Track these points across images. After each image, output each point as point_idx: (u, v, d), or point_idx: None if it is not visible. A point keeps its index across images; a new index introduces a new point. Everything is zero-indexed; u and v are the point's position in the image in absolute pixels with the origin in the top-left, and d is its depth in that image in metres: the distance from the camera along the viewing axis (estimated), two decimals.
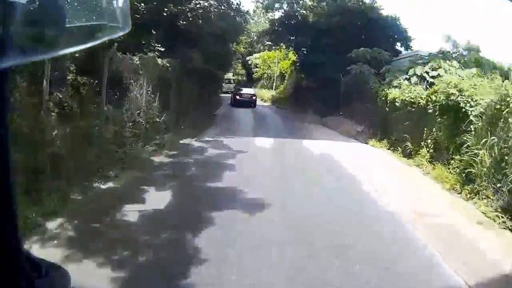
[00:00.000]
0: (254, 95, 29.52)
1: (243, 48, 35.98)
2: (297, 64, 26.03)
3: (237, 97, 28.62)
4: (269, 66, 39.36)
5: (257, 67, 42.84)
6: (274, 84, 35.84)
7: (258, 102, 30.95)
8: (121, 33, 0.73)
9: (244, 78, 46.98)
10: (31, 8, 0.53)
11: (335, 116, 19.95)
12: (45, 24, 0.55)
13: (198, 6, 14.92)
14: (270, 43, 29.06)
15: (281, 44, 27.62)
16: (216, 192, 7.37)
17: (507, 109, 7.30)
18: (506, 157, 6.97)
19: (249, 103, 27.86)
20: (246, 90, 30.11)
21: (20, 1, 0.50)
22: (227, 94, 31.58)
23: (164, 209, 6.24)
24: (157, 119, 12.12)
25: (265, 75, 40.89)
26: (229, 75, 45.72)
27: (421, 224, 6.20)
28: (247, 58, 44.26)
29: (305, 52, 23.81)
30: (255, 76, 44.49)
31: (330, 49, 21.31)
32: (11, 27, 0.47)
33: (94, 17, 0.69)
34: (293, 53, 28.51)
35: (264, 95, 36.68)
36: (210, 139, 13.52)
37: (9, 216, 0.54)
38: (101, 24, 0.70)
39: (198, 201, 6.82)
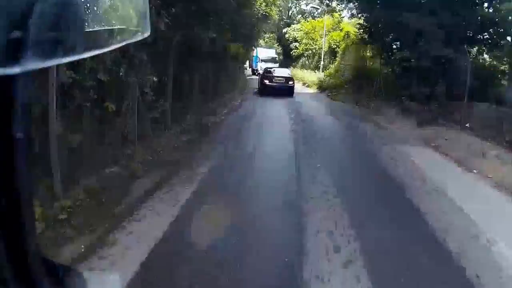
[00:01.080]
0: (290, 78, 20.25)
1: (277, 15, 26.69)
2: (363, 33, 16.67)
3: (266, 81, 19.52)
4: (314, 40, 29.69)
5: (296, 42, 33.41)
6: (322, 63, 26.48)
7: (299, 87, 22.01)
8: (141, 37, 0.72)
9: (280, 57, 37.93)
10: (49, 11, 0.49)
11: (448, 128, 11.16)
12: (63, 28, 0.53)
13: None
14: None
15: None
16: None
17: None
18: None
19: (284, 90, 19.24)
20: (279, 71, 20.90)
21: (38, 4, 0.47)
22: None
23: None
24: None
25: (309, 52, 31.27)
26: (269, 52, 37.17)
27: None
28: (284, 30, 35.08)
29: (380, 10, 14.43)
30: (294, 54, 35.23)
31: (432, 6, 12.23)
32: (28, 31, 0.46)
33: (114, 21, 0.69)
34: (353, 15, 19.32)
35: (306, 78, 27.54)
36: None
37: (26, 220, 0.54)
38: (120, 28, 0.70)
39: None
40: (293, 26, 34.80)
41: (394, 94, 15.64)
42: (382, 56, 16.46)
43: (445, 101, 12.60)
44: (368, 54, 18.13)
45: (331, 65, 24.91)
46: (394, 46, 15.45)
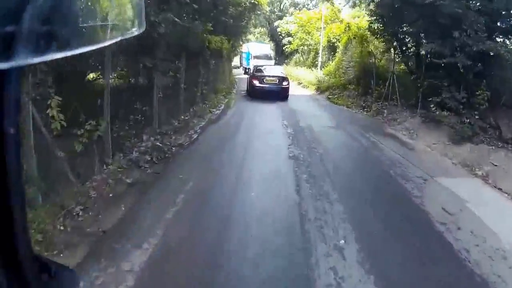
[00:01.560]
0: (285, 78, 16.79)
1: (268, 6, 23.41)
2: (374, 21, 13.49)
3: (256, 82, 16.18)
4: (310, 34, 26.32)
5: (290, 36, 30.09)
6: (320, 60, 23.23)
7: (293, 88, 18.76)
8: (136, 33, 0.72)
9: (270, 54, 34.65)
10: (42, 5, 0.48)
11: (494, 147, 8.49)
12: (57, 22, 0.52)
13: None
14: None
15: None
16: None
17: None
18: None
19: (277, 93, 15.97)
20: (271, 70, 17.51)
21: None
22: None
23: None
24: None
25: (304, 47, 27.94)
26: (263, 47, 32.43)
27: None
28: (275, 24, 31.81)
29: None
30: (287, 50, 32.07)
31: None
32: (22, 25, 0.45)
33: (109, 16, 0.67)
34: (355, 4, 16.23)
35: (301, 77, 24.32)
36: None
37: (19, 217, 0.54)
38: (115, 23, 0.68)
39: None
40: (285, 18, 31.50)
41: (412, 98, 12.67)
42: (397, 51, 13.44)
43: (488, 110, 9.67)
44: (376, 48, 15.07)
45: (330, 62, 21.78)
46: (408, 39, 12.44)
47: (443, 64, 10.10)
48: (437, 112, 10.21)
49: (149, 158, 7.05)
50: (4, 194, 0.51)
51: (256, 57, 28.70)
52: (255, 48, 31.27)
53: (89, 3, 0.62)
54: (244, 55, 32.88)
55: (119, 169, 6.34)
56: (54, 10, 0.50)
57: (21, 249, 0.55)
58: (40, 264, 0.63)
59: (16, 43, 0.45)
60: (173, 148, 7.82)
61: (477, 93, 9.49)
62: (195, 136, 8.87)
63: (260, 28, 34.96)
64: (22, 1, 0.45)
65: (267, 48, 34.09)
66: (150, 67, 7.91)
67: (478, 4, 9.59)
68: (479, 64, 9.37)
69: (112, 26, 0.67)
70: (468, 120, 9.45)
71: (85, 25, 0.59)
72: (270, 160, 7.21)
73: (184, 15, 9.04)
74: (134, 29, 0.71)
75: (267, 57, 29.24)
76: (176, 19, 7.87)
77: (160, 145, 7.89)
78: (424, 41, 9.95)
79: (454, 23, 9.48)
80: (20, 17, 0.45)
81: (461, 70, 9.68)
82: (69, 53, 0.54)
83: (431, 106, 10.68)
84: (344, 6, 22.81)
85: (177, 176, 6.24)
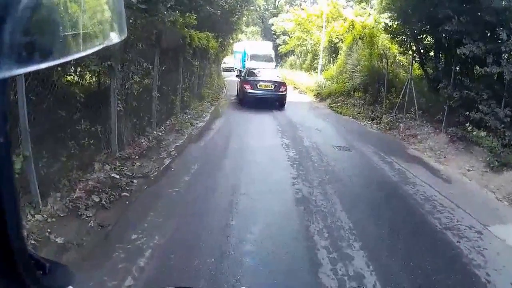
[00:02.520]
0: (282, 83, 14.37)
1: (263, 3, 21.13)
2: (391, 18, 11.33)
3: (247, 87, 13.83)
4: (309, 33, 23.90)
5: (286, 35, 27.79)
6: (320, 62, 21.01)
7: (290, 94, 16.35)
8: (117, 40, 0.71)
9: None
10: (22, 17, 0.48)
11: None
12: (38, 33, 0.52)
13: None
14: None
15: None
16: None
17: None
18: None
19: (273, 101, 13.85)
20: (265, 74, 15.11)
21: (9, 8, 0.46)
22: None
23: None
24: None
25: (302, 48, 25.59)
26: (263, 46, 26.86)
27: None
28: (270, 21, 29.53)
29: None
30: (281, 51, 29.91)
31: None
32: (3, 37, 0.45)
33: (89, 25, 0.66)
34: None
35: (298, 82, 22.06)
36: None
37: (11, 215, 0.53)
38: (96, 31, 0.68)
39: None
40: (281, 16, 29.23)
41: (433, 110, 10.66)
42: (415, 54, 11.41)
43: None
44: (387, 49, 13.01)
45: (330, 65, 19.64)
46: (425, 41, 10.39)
47: (482, 73, 8.09)
48: (473, 132, 8.21)
49: (97, 199, 4.93)
50: None
51: (254, 57, 23.96)
52: (252, 47, 26.12)
53: (69, 12, 0.61)
54: (238, 55, 27.92)
55: (50, 219, 4.29)
56: (34, 20, 0.49)
57: (15, 248, 0.55)
58: (35, 262, 0.63)
59: None
60: (134, 182, 5.69)
61: None
62: (167, 161, 6.70)
63: (252, 26, 32.63)
64: (1, 13, 0.45)
65: (268, 47, 27.55)
66: (104, 70, 5.76)
67: None
68: None
69: (93, 34, 0.66)
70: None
71: (66, 33, 0.58)
72: (270, 208, 5.07)
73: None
74: (115, 36, 0.70)
75: (267, 59, 24.39)
76: (141, 5, 5.75)
77: (117, 176, 5.76)
78: (464, 41, 7.84)
79: (500, 21, 7.47)
80: (0, 29, 0.45)
81: (506, 82, 7.69)
82: (52, 63, 0.54)
83: (462, 122, 8.69)
84: (349, 2, 20.59)
85: (129, 236, 4.10)
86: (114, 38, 0.70)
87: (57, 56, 0.55)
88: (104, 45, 0.69)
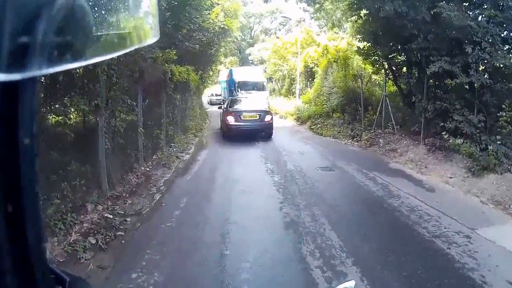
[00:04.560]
0: (267, 112, 13.54)
1: (238, 32, 21.74)
2: (363, 39, 11.83)
3: (230, 119, 12.85)
4: (285, 59, 24.58)
5: (262, 64, 28.56)
6: (298, 86, 21.54)
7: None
8: (149, 42, 0.70)
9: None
10: (56, 16, 0.48)
11: None
12: (71, 33, 0.51)
13: None
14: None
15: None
16: None
17: None
18: None
19: (259, 131, 13.17)
20: (249, 103, 14.11)
21: (45, 8, 0.46)
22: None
23: None
24: None
25: (279, 74, 26.26)
26: (253, 72, 23.55)
27: None
28: (247, 51, 30.33)
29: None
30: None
31: None
32: (36, 36, 0.45)
33: (122, 25, 0.66)
34: (334, 25, 14.77)
35: (278, 107, 22.02)
36: None
37: (33, 228, 0.53)
38: (129, 32, 0.67)
39: None
40: (257, 45, 30.12)
41: (409, 123, 11.08)
42: (388, 72, 11.92)
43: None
44: (362, 70, 13.55)
45: (308, 89, 20.19)
46: (404, 58, 10.94)
47: (452, 84, 8.54)
48: (450, 140, 8.55)
49: (93, 241, 4.92)
50: (19, 204, 0.50)
51: (243, 85, 21.18)
52: (241, 74, 22.99)
53: (103, 13, 0.61)
54: (224, 84, 24.78)
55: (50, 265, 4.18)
56: (67, 20, 0.49)
57: (36, 262, 0.54)
58: (55, 277, 0.63)
59: (30, 54, 0.45)
60: (128, 220, 5.70)
61: (498, 114, 7.92)
62: (157, 196, 6.74)
63: (230, 57, 33.45)
64: (35, 12, 0.45)
65: (258, 73, 24.29)
66: (91, 109, 5.87)
67: (484, 15, 8.14)
68: (499, 81, 7.86)
69: (126, 35, 0.66)
70: (490, 147, 7.83)
71: (99, 34, 0.58)
72: (261, 234, 5.18)
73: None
74: (148, 39, 0.70)
75: (259, 87, 21.71)
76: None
77: (110, 216, 5.76)
78: (432, 58, 8.32)
79: (463, 37, 7.97)
80: (33, 28, 0.45)
81: (476, 90, 8.14)
82: (83, 63, 0.54)
83: (439, 132, 9.05)
84: (322, 28, 21.39)
85: (129, 275, 4.11)
86: (147, 39, 0.70)
87: (89, 56, 0.55)
88: (137, 46, 0.69)
